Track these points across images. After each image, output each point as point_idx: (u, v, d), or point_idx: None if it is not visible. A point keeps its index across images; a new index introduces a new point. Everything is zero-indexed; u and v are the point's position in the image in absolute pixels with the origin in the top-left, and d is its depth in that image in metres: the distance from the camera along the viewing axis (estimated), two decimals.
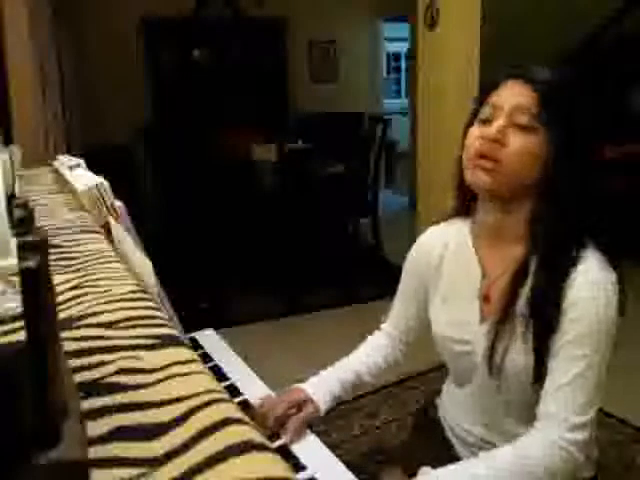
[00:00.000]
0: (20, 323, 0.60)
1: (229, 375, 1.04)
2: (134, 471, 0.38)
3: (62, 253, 0.92)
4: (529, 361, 0.89)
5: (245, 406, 0.95)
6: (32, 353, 0.32)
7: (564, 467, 0.84)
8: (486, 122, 0.91)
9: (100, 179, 1.08)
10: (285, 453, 0.86)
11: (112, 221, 1.00)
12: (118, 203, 1.05)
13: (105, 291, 0.73)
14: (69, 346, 0.57)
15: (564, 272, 0.87)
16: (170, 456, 0.40)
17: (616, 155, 3.68)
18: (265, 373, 1.06)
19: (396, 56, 10.60)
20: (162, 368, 0.53)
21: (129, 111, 5.21)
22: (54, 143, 3.27)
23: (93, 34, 5.16)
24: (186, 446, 0.41)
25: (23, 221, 0.43)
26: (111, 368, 0.53)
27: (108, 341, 0.59)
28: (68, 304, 0.69)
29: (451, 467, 0.87)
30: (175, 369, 0.53)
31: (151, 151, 4.76)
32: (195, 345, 1.13)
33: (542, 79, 0.90)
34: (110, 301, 0.69)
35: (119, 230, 0.94)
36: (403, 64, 10.38)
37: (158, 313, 0.66)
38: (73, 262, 0.87)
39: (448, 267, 1.04)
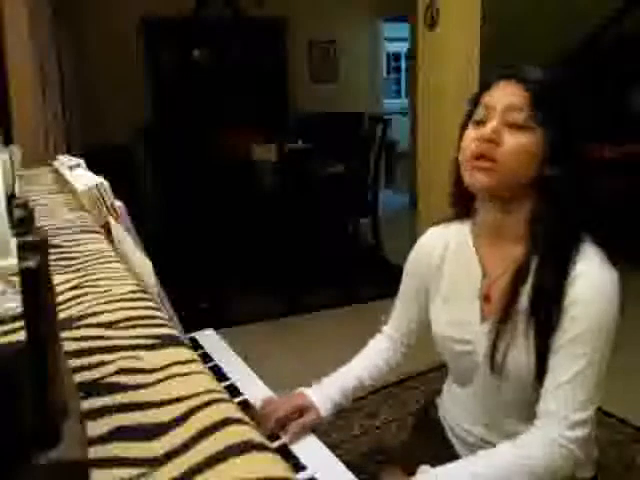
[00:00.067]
0: (20, 323, 0.60)
1: (229, 375, 1.04)
2: (134, 471, 0.38)
3: (62, 253, 0.92)
4: (530, 359, 0.89)
5: (245, 406, 0.95)
6: (32, 353, 0.32)
7: (564, 465, 0.84)
8: (480, 123, 0.92)
9: (100, 179, 1.08)
10: (285, 453, 0.86)
11: (112, 221, 1.00)
12: (118, 203, 1.05)
13: (105, 291, 0.73)
14: (69, 346, 0.57)
15: (565, 271, 0.88)
16: (170, 456, 0.40)
17: (616, 155, 3.69)
18: (265, 373, 1.06)
19: (396, 56, 10.60)
20: (162, 368, 0.53)
21: (129, 111, 5.21)
22: (54, 143, 3.27)
23: (93, 34, 5.16)
24: (186, 446, 0.41)
25: (23, 221, 0.43)
26: (111, 368, 0.53)
27: (108, 341, 0.59)
28: (68, 304, 0.69)
29: (450, 465, 0.87)
30: (175, 369, 0.53)
31: (151, 151, 4.77)
32: (195, 345, 1.13)
33: (534, 79, 0.90)
34: (110, 301, 0.69)
35: (119, 230, 0.94)
36: (403, 64, 10.38)
37: (158, 313, 0.66)
38: (73, 262, 0.87)
39: (449, 267, 1.04)
